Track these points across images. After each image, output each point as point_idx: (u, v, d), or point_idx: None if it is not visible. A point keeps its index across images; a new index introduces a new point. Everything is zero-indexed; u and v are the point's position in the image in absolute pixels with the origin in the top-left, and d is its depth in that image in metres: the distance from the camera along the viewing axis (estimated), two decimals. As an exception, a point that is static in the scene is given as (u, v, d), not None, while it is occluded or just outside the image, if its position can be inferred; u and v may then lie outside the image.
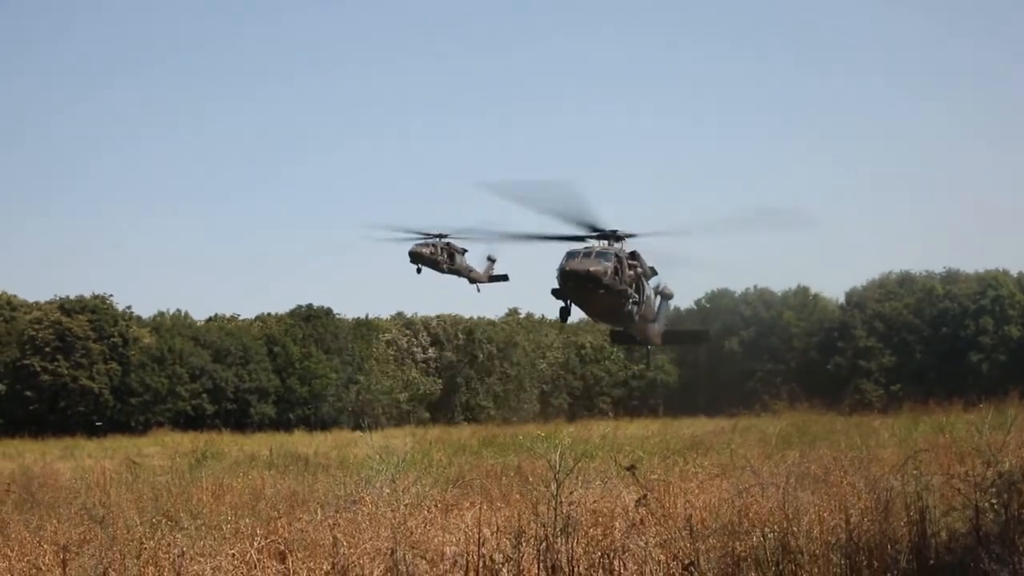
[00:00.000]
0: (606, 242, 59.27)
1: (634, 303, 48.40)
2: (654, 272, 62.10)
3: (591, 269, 48.69)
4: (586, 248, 52.39)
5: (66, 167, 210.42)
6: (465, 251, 72.92)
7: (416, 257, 68.06)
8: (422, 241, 68.61)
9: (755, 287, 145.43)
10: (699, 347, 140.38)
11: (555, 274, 51.50)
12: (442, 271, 70.69)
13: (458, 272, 71.36)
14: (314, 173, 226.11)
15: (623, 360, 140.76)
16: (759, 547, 10.51)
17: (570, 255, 52.71)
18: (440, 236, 69.35)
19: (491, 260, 76.69)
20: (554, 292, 46.09)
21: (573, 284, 45.80)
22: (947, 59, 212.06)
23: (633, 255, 56.19)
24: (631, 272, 53.61)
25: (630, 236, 61.90)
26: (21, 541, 13.43)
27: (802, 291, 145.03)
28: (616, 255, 52.50)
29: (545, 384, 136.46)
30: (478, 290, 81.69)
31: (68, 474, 31.45)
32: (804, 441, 30.07)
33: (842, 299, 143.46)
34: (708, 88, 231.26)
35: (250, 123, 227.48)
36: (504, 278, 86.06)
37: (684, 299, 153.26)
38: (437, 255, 67.27)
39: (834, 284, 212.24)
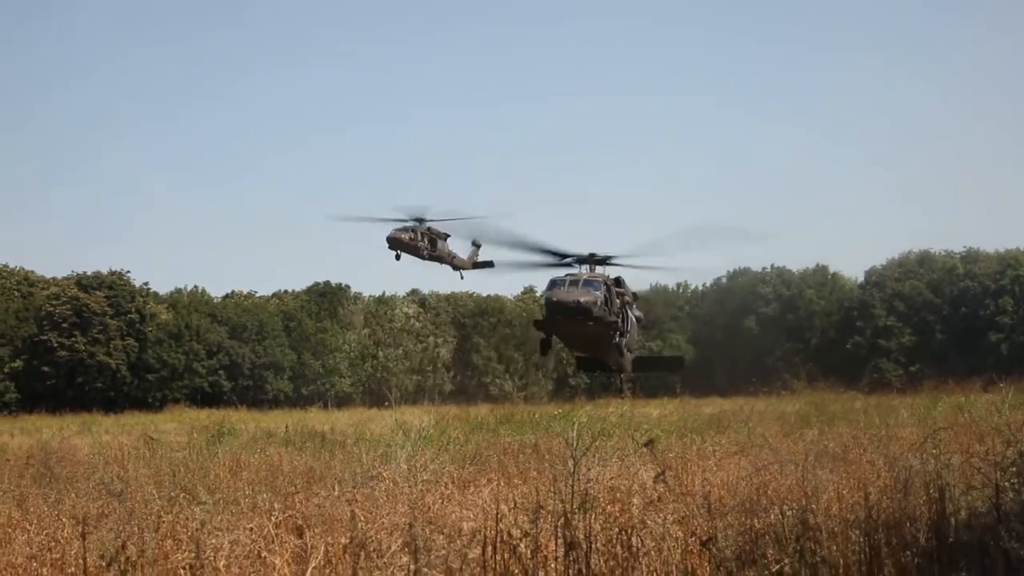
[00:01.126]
0: (587, 267, 58.04)
1: (621, 335, 47.45)
2: (635, 298, 61.10)
3: (581, 300, 47.47)
4: (571, 276, 51.07)
5: (84, 143, 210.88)
6: (448, 236, 70.70)
7: (395, 243, 65.63)
8: (401, 226, 66.50)
9: (772, 266, 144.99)
10: (715, 328, 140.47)
11: (541, 304, 50.24)
12: (423, 258, 68.26)
13: (440, 259, 68.91)
14: (333, 151, 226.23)
15: (640, 339, 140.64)
16: (777, 524, 10.45)
17: (555, 284, 51.36)
18: (420, 220, 67.55)
19: (476, 245, 74.27)
20: (537, 324, 44.72)
21: (561, 316, 44.43)
22: (967, 41, 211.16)
23: (618, 281, 55.22)
24: (618, 300, 52.74)
25: (608, 259, 60.89)
26: (40, 515, 13.44)
27: (821, 270, 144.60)
28: (604, 282, 51.57)
29: (562, 362, 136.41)
30: (461, 277, 79.96)
31: (86, 449, 31.51)
32: (823, 420, 29.97)
33: (861, 278, 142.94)
34: (713, 72, 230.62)
35: (268, 101, 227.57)
36: (489, 264, 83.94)
37: (707, 276, 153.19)
38: (417, 241, 64.84)
39: (854, 263, 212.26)
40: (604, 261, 59.85)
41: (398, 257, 72.06)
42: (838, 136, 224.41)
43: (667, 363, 71.36)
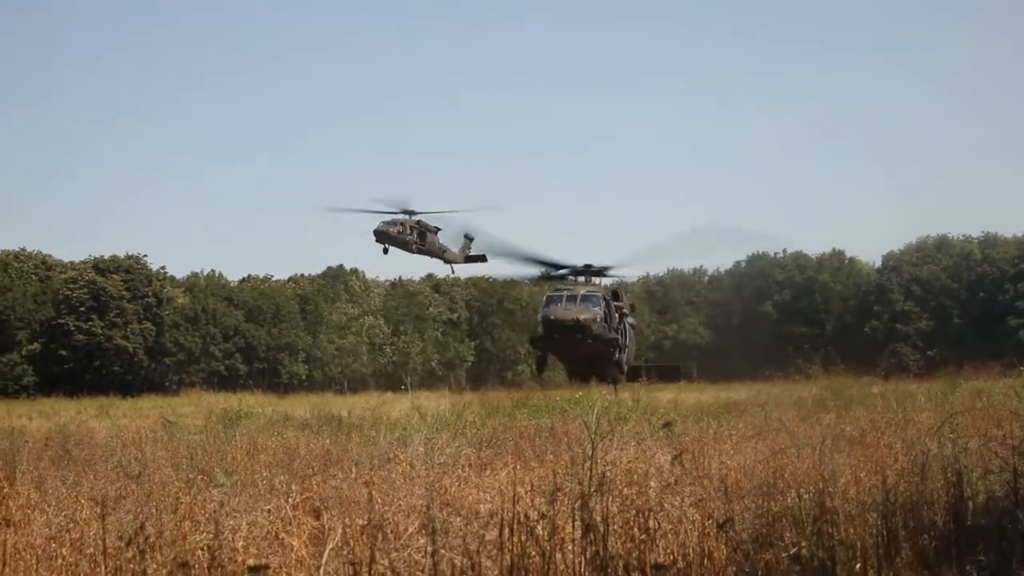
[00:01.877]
0: (583, 278, 57.15)
1: (620, 351, 46.69)
2: (632, 309, 60.37)
3: (580, 318, 47.00)
4: (569, 292, 50.55)
5: (99, 127, 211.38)
6: (439, 229, 68.54)
7: (382, 237, 63.68)
8: (389, 219, 64.01)
9: (785, 251, 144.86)
10: (732, 313, 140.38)
11: (538, 321, 49.78)
12: (412, 251, 66.26)
13: (430, 252, 66.96)
14: (352, 135, 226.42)
15: (655, 323, 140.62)
16: (794, 507, 10.44)
17: (552, 300, 50.72)
18: (410, 213, 64.69)
19: (468, 239, 72.21)
20: (533, 341, 43.81)
21: (559, 334, 43.73)
22: (984, 27, 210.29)
23: (615, 293, 54.58)
24: (617, 315, 52.08)
25: (605, 270, 60.11)
26: (59, 497, 13.49)
27: (837, 255, 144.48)
28: (604, 298, 50.94)
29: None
30: (452, 271, 78.35)
31: (103, 432, 31.59)
32: (840, 404, 29.91)
33: (879, 263, 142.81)
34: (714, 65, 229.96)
35: (285, 84, 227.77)
36: (482, 259, 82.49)
37: (724, 260, 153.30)
38: (406, 234, 63.29)
39: (871, 248, 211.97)
40: (601, 272, 58.99)
41: (386, 251, 70.00)
42: (854, 122, 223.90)
43: (664, 372, 69.90)
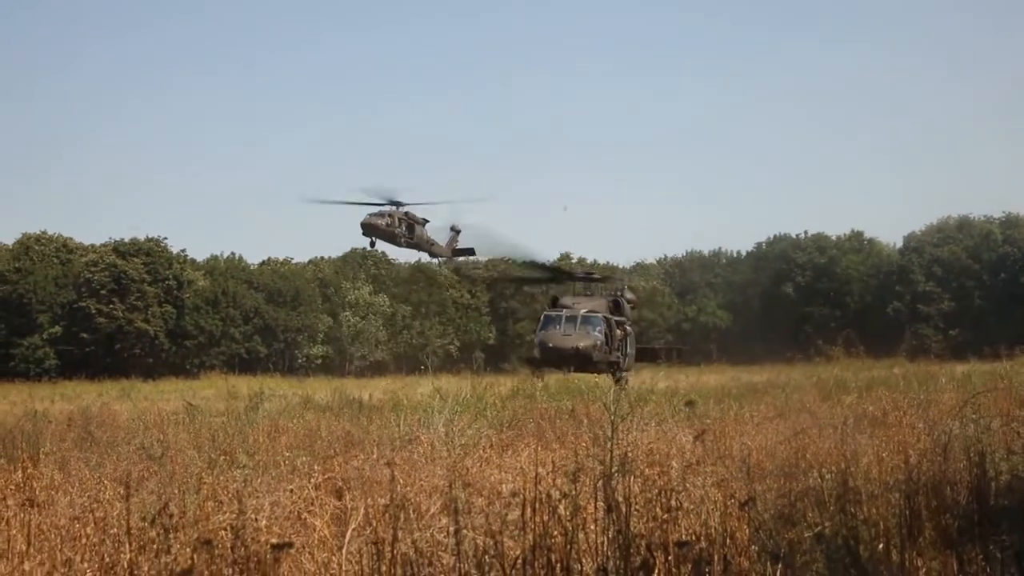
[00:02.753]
0: (581, 283, 55.23)
1: (621, 368, 45.73)
2: (633, 307, 58.78)
3: (580, 346, 46.03)
4: (568, 312, 49.19)
5: (120, 110, 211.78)
6: (426, 221, 66.21)
7: (369, 229, 61.27)
8: (376, 211, 61.48)
9: (806, 232, 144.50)
10: (752, 295, 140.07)
11: (534, 344, 48.67)
12: (399, 245, 63.65)
13: (418, 245, 64.83)
14: (373, 118, 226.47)
15: (676, 304, 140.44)
16: (816, 487, 10.43)
17: (549, 322, 49.26)
18: (397, 204, 62.32)
19: (455, 231, 70.21)
20: (529, 363, 42.81)
21: (557, 359, 42.89)
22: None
23: (616, 304, 53.13)
24: (619, 331, 50.90)
25: (608, 278, 58.89)
26: (82, 478, 13.55)
27: (856, 236, 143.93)
28: (604, 318, 49.68)
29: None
30: (438, 265, 77.01)
31: (125, 415, 31.75)
32: (861, 385, 29.85)
33: (899, 244, 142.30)
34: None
35: (306, 66, 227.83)
36: (470, 252, 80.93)
37: (745, 242, 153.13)
38: (394, 227, 60.99)
39: (892, 230, 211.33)
40: (604, 280, 57.60)
41: (372, 244, 67.98)
42: (874, 106, 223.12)
43: (666, 354, 69.48)
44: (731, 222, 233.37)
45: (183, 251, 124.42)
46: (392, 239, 61.83)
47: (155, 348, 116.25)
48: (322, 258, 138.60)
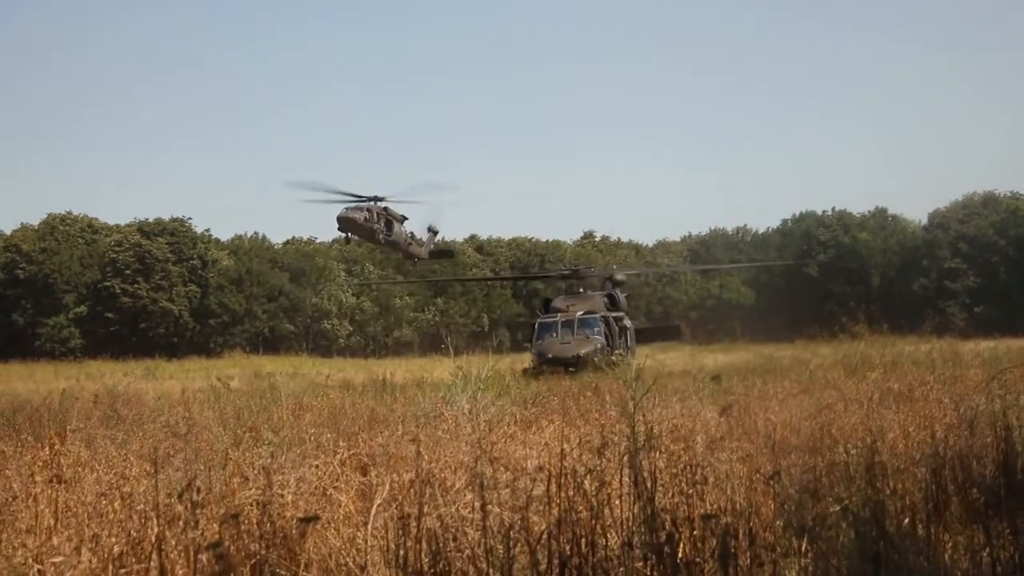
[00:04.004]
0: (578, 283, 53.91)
1: (623, 359, 44.52)
2: (627, 299, 57.63)
3: (580, 353, 44.95)
4: (564, 316, 47.98)
5: (144, 89, 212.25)
6: (405, 218, 61.68)
7: (347, 224, 57.86)
8: (354, 204, 58.09)
9: (834, 208, 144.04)
10: (775, 272, 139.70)
11: (533, 354, 47.36)
12: (378, 242, 60.72)
13: (396, 244, 61.22)
14: (398, 94, 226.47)
15: (699, 282, 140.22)
16: (842, 462, 10.42)
17: (546, 329, 47.99)
18: (376, 199, 58.98)
19: (432, 231, 67.50)
20: (527, 372, 41.46)
21: (556, 366, 41.73)
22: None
23: (612, 299, 52.02)
24: (619, 328, 49.89)
25: (611, 275, 57.77)
26: (108, 455, 13.62)
27: (880, 212, 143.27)
28: (602, 317, 48.58)
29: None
30: (414, 265, 74.23)
31: (151, 393, 31.93)
32: (886, 361, 29.78)
33: (924, 221, 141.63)
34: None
35: (320, 46, 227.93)
36: (448, 255, 78.55)
37: (770, 219, 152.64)
38: (373, 222, 57.62)
39: (917, 207, 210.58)
40: (608, 277, 56.43)
41: (348, 240, 65.01)
42: (897, 83, 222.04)
43: (664, 333, 68.62)
44: (757, 200, 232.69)
45: (207, 231, 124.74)
46: (370, 235, 59.15)
47: (179, 327, 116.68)
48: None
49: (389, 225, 58.78)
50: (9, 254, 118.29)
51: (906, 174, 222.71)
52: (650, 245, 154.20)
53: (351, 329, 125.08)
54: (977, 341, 50.55)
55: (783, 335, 74.56)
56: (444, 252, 74.98)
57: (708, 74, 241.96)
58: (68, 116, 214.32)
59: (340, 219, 57.26)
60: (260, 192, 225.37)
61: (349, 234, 60.59)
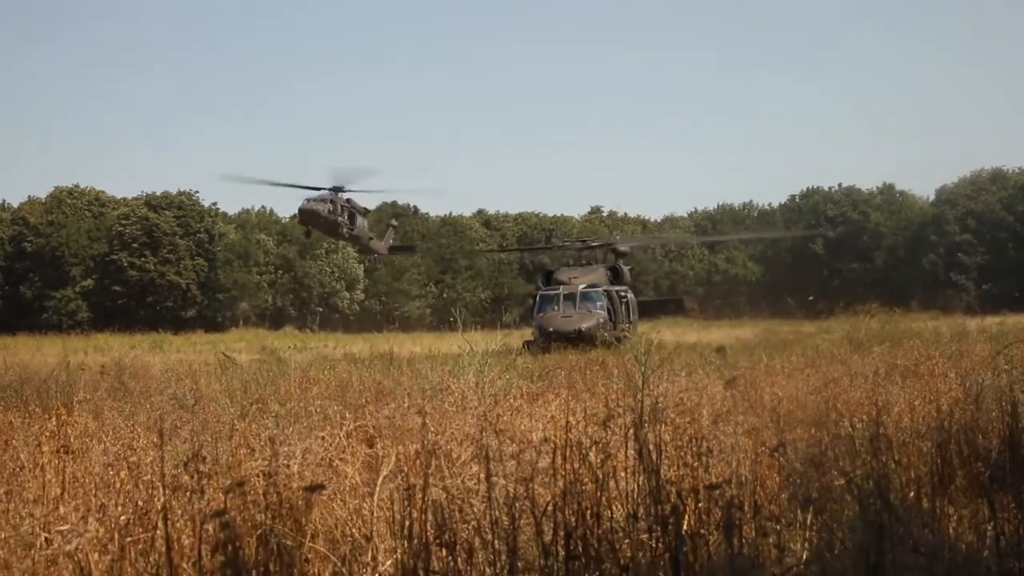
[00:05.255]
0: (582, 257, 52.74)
1: (626, 338, 43.70)
2: (631, 270, 56.64)
3: (583, 327, 44.04)
4: (566, 289, 46.96)
5: (152, 62, 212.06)
6: (367, 211, 59.57)
7: (309, 216, 54.98)
8: (317, 196, 55.10)
9: (840, 184, 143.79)
10: (782, 247, 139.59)
11: (533, 328, 46.44)
12: (340, 237, 58.19)
13: (358, 238, 58.55)
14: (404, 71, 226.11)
15: (706, 257, 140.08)
16: (847, 435, 10.43)
17: (547, 302, 46.99)
18: (337, 190, 56.03)
19: (391, 226, 65.47)
20: (528, 346, 40.58)
21: (557, 340, 40.89)
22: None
23: (615, 271, 51.08)
24: (622, 302, 49.07)
25: (611, 245, 56.78)
26: (115, 426, 13.67)
27: (888, 188, 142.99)
28: (605, 291, 47.68)
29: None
30: (373, 260, 71.33)
31: (158, 366, 32.00)
32: (893, 336, 29.75)
33: (932, 197, 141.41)
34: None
35: (327, 25, 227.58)
36: (410, 250, 76.42)
37: (779, 195, 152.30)
38: (336, 214, 54.72)
39: (923, 182, 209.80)
40: (611, 248, 55.45)
41: (308, 234, 61.97)
42: (907, 54, 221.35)
43: (668, 307, 67.57)
44: (764, 176, 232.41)
45: (214, 204, 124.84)
46: (333, 229, 56.26)
47: (187, 301, 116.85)
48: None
49: (352, 218, 56.38)
50: (17, 227, 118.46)
51: (914, 150, 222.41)
52: (657, 220, 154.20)
53: (359, 303, 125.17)
54: (984, 317, 50.52)
55: (790, 311, 74.52)
56: (405, 248, 73.00)
57: (716, 50, 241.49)
58: (76, 90, 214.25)
59: (303, 211, 54.93)
60: (268, 165, 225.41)
61: (310, 227, 57.72)
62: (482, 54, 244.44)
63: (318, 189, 55.14)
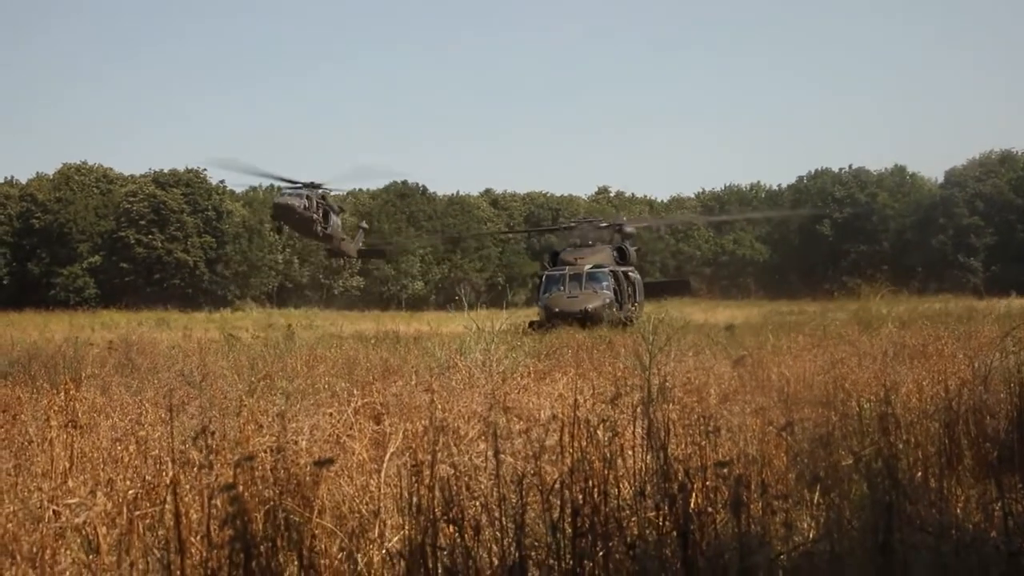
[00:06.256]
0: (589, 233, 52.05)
1: (632, 320, 43.33)
2: (635, 245, 56.09)
3: (589, 308, 43.70)
4: (572, 269, 46.49)
5: (161, 37, 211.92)
6: (342, 210, 58.12)
7: (284, 212, 52.75)
8: (292, 191, 52.79)
9: (851, 166, 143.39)
10: (790, 227, 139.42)
11: (538, 308, 45.98)
12: (314, 235, 55.07)
13: (331, 238, 55.49)
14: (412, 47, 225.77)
15: (713, 237, 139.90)
16: (855, 415, 10.42)
17: (552, 282, 46.47)
18: (313, 186, 53.54)
19: (362, 228, 63.47)
20: (534, 326, 40.28)
21: (563, 321, 40.61)
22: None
23: (621, 252, 50.59)
24: (628, 282, 48.67)
25: (619, 225, 56.15)
26: (123, 402, 13.70)
27: (899, 170, 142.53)
28: (611, 271, 47.24)
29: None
30: (343, 263, 69.23)
31: (165, 343, 32.07)
32: (902, 317, 29.75)
33: (940, 179, 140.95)
34: None
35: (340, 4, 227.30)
36: (380, 255, 74.68)
37: (786, 176, 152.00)
38: (312, 211, 52.24)
39: (932, 164, 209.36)
40: (618, 229, 54.81)
41: (280, 231, 59.53)
42: (917, 35, 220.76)
43: (673, 287, 67.15)
44: (772, 157, 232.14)
45: (222, 182, 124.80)
46: (307, 226, 53.34)
47: (194, 279, 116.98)
48: (362, 190, 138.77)
49: (327, 216, 54.01)
50: (25, 203, 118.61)
51: (922, 132, 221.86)
52: (664, 201, 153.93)
53: (359, 288, 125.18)
54: (992, 299, 50.46)
55: (797, 292, 74.39)
56: (376, 252, 71.06)
57: (726, 31, 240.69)
58: (84, 66, 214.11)
59: (277, 206, 53.24)
60: (275, 144, 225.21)
61: (282, 224, 55.54)
62: (490, 34, 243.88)
63: (294, 183, 53.22)
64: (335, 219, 54.99)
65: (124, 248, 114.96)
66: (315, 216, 52.37)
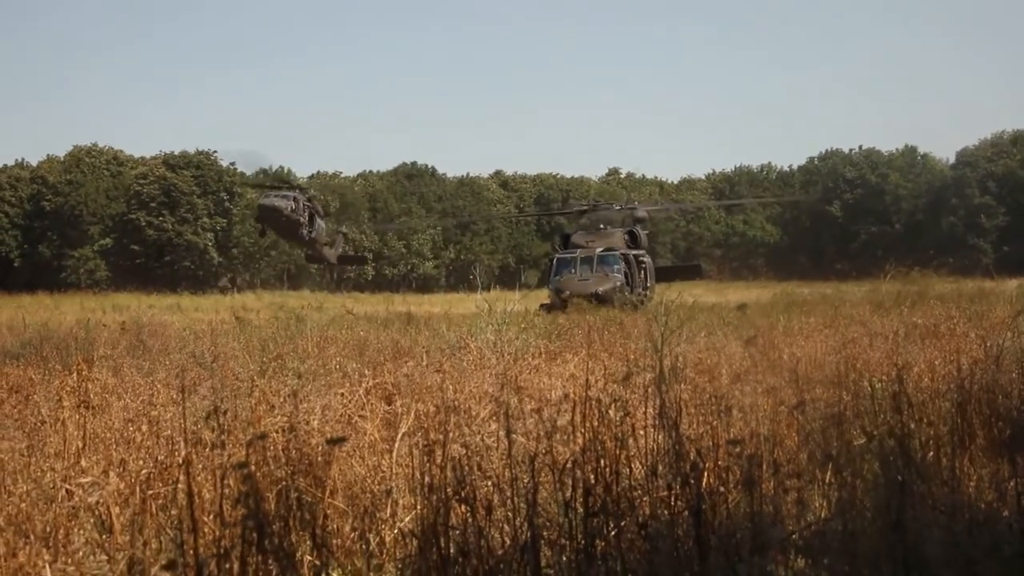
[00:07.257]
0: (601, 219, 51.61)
1: (643, 304, 43.11)
2: (649, 235, 55.57)
3: (600, 290, 43.48)
4: (583, 252, 46.19)
5: (171, 20, 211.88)
6: (326, 214, 56.69)
7: (271, 213, 51.24)
8: (279, 193, 51.68)
9: (861, 147, 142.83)
10: (801, 208, 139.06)
11: (549, 291, 45.74)
12: (299, 239, 53.89)
13: (314, 243, 54.38)
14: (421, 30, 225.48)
15: (723, 219, 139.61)
16: (866, 395, 10.41)
17: (564, 265, 46.19)
18: (300, 188, 52.90)
19: (342, 234, 62.36)
20: (545, 308, 40.13)
21: (575, 303, 40.39)
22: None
23: (632, 236, 50.24)
24: (639, 266, 48.36)
25: (630, 208, 55.74)
26: (135, 383, 13.73)
27: (910, 151, 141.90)
28: (622, 254, 46.98)
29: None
30: (326, 268, 68.59)
31: (176, 325, 32.12)
32: (913, 298, 29.66)
33: (952, 159, 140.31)
34: None
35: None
36: (362, 261, 73.89)
37: (797, 157, 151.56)
38: (298, 214, 50.95)
39: (945, 146, 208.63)
40: (629, 212, 54.53)
41: (263, 233, 58.62)
42: (929, 16, 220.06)
43: (685, 272, 66.70)
44: (782, 138, 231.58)
45: (232, 164, 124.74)
46: (292, 229, 51.79)
47: (205, 261, 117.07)
48: (371, 172, 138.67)
49: (312, 220, 52.66)
50: (35, 186, 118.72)
51: (934, 113, 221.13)
52: (675, 182, 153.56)
53: (373, 265, 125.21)
54: (1003, 280, 50.35)
55: (808, 273, 74.29)
56: (356, 258, 70.41)
57: (738, 11, 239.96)
58: (94, 48, 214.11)
59: (262, 207, 51.64)
60: (285, 127, 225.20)
61: (265, 226, 53.84)
62: (502, 16, 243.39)
63: (278, 187, 52.72)
64: (320, 223, 54.07)
65: (135, 230, 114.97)
66: (301, 219, 51.39)
